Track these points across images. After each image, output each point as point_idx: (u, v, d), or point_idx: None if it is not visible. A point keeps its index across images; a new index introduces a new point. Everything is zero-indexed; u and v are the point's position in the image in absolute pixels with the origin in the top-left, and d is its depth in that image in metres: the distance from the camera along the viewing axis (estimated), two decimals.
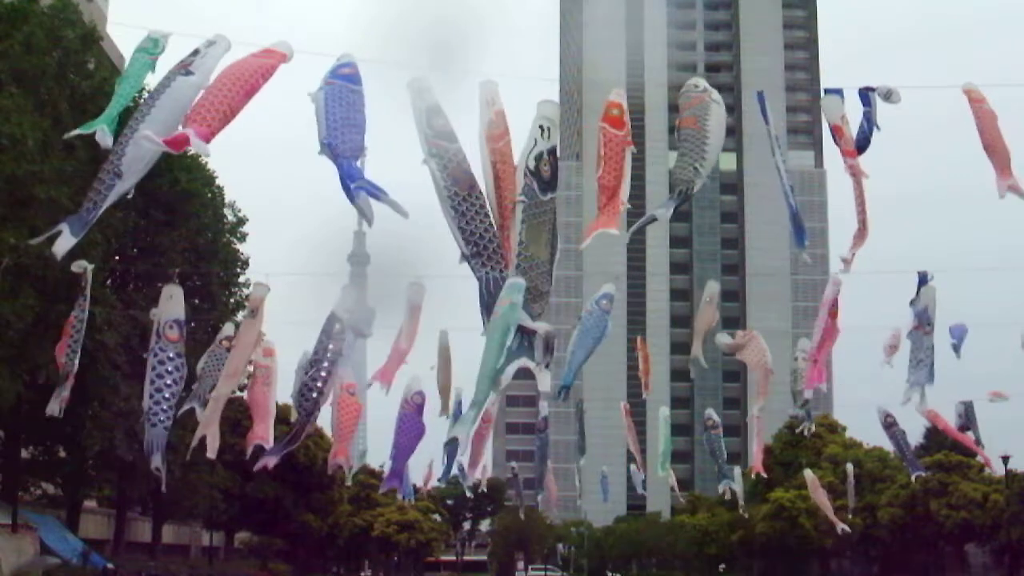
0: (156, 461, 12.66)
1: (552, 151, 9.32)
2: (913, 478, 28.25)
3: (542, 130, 9.29)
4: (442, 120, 9.07)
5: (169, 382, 12.83)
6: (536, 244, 8.92)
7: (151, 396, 12.69)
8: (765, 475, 32.12)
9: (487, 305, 8.67)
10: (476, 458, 22.47)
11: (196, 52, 9.39)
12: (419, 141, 9.00)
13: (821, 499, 31.86)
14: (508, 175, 9.21)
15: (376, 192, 8.53)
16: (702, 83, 10.17)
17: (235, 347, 13.54)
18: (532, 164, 9.13)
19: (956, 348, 17.23)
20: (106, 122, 9.12)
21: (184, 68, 9.20)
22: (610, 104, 10.08)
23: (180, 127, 8.84)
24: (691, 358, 17.21)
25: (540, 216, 9.03)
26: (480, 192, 8.88)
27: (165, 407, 12.69)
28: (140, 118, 8.91)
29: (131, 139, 8.83)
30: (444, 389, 17.54)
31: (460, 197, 8.75)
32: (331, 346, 11.32)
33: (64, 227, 8.94)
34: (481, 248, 8.72)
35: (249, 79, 8.97)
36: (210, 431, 13.37)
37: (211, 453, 13.48)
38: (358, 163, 8.81)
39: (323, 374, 11.35)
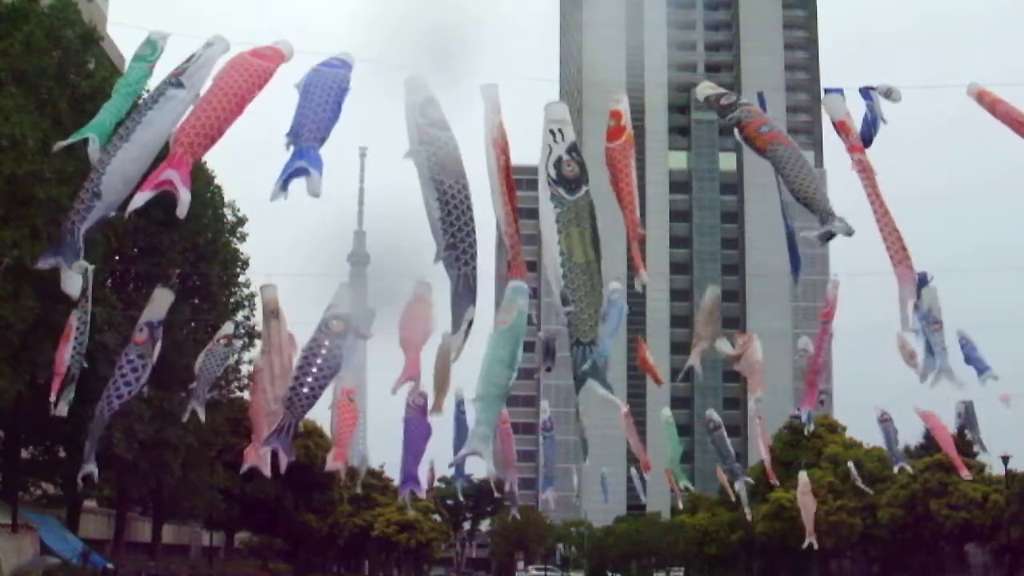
0: (91, 467, 12.87)
1: (572, 149, 9.04)
2: (896, 469, 28.45)
3: (553, 134, 9.03)
4: (436, 111, 8.77)
5: (120, 385, 12.94)
6: (576, 248, 8.56)
7: (105, 397, 12.84)
8: (777, 482, 32.13)
9: (458, 303, 8.33)
10: (508, 460, 22.57)
11: (192, 58, 9.18)
12: (408, 132, 8.65)
13: (807, 505, 31.75)
14: (512, 184, 9.10)
15: (314, 172, 8.19)
16: (714, 87, 9.98)
17: (270, 352, 13.11)
18: (553, 172, 8.84)
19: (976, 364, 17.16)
20: (97, 131, 8.82)
21: (175, 77, 8.91)
22: (612, 114, 9.99)
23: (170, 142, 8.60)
24: (687, 366, 17.03)
25: (576, 219, 8.69)
26: (467, 185, 8.52)
27: (106, 413, 12.89)
28: (125, 136, 8.63)
29: (113, 156, 8.54)
30: (439, 388, 17.63)
31: (446, 185, 8.38)
32: (326, 343, 11.06)
33: (60, 260, 8.77)
34: (458, 241, 8.32)
35: (242, 88, 8.64)
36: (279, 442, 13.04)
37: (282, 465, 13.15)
38: (318, 148, 8.43)
39: (314, 370, 11.03)
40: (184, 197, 7.97)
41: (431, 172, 8.42)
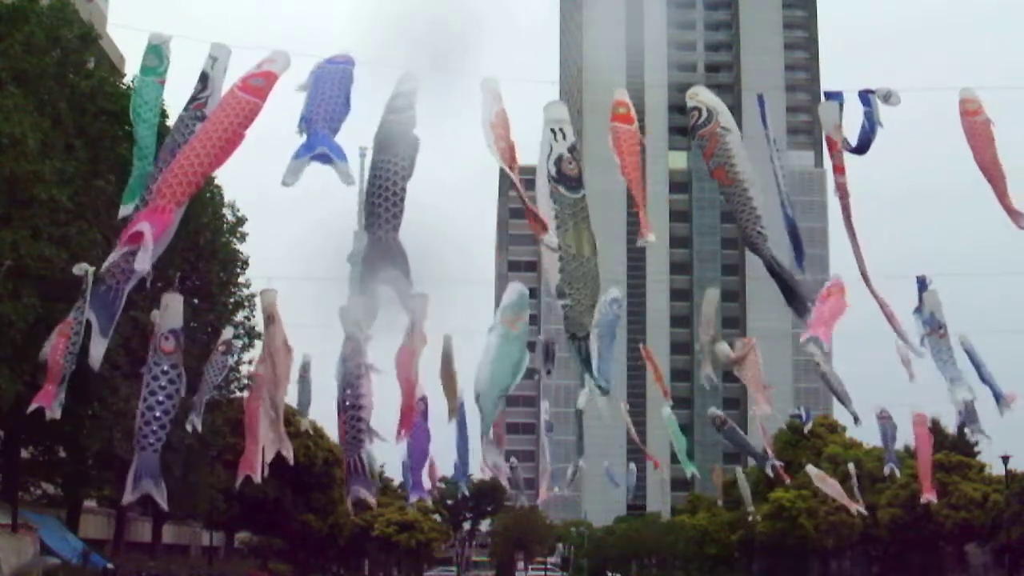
0: (147, 487, 11.63)
1: (573, 148, 9.26)
2: (886, 470, 28.58)
3: (555, 133, 9.22)
4: (408, 99, 8.94)
5: (162, 398, 11.95)
6: (580, 242, 8.93)
7: (142, 415, 11.86)
8: (788, 479, 32.44)
9: (365, 263, 8.50)
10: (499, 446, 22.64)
11: (204, 79, 9.21)
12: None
13: (833, 488, 31.73)
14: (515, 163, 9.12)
15: (340, 161, 8.30)
16: (700, 94, 10.07)
17: (268, 356, 12.98)
18: (553, 170, 9.07)
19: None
20: (140, 185, 9.01)
21: (197, 109, 9.02)
22: (617, 103, 10.06)
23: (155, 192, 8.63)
24: (703, 377, 16.96)
25: (576, 216, 9.02)
26: (403, 159, 8.63)
27: (156, 427, 11.70)
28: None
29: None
30: (451, 394, 17.46)
31: (377, 158, 8.62)
32: (357, 376, 10.88)
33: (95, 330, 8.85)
34: (382, 210, 8.50)
35: (228, 131, 8.61)
36: (283, 445, 12.86)
37: (270, 461, 12.85)
38: (333, 136, 8.56)
39: (359, 402, 10.89)
40: (146, 251, 7.93)
41: (377, 144, 8.66)
